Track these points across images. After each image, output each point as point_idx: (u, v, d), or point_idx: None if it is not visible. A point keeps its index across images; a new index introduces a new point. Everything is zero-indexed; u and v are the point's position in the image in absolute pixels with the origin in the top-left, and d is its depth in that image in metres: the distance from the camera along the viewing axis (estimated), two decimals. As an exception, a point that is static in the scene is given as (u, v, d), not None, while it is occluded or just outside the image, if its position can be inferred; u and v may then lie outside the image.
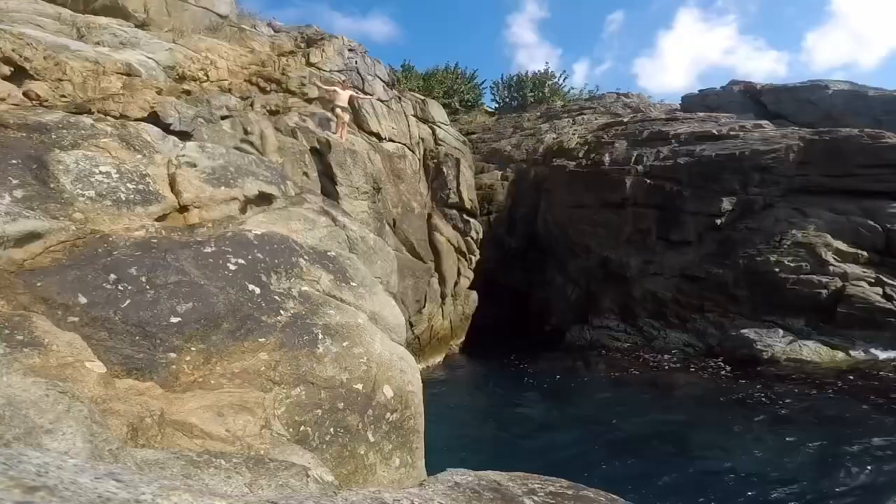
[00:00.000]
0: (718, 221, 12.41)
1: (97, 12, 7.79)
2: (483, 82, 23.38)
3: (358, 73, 11.16)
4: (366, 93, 11.15)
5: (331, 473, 2.38)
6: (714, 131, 13.97)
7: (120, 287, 3.03)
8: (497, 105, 23.37)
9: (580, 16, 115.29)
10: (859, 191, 11.73)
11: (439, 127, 13.50)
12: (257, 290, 3.54)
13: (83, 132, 4.25)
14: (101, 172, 3.85)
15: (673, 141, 14.13)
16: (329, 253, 4.42)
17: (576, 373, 11.50)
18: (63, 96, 5.60)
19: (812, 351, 10.37)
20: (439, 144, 13.18)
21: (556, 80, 23.18)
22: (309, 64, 10.32)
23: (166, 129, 6.13)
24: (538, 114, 19.92)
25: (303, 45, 10.88)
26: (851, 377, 9.37)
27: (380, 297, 4.37)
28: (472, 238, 12.94)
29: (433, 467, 4.07)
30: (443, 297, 12.12)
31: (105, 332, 2.81)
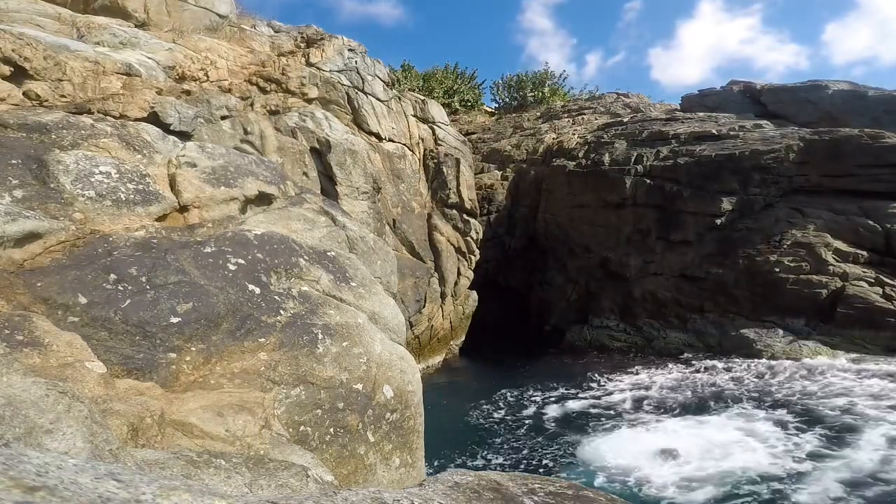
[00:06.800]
0: (718, 221, 12.42)
1: (97, 12, 7.79)
2: (483, 82, 23.39)
3: (358, 73, 11.16)
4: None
5: (330, 473, 2.39)
6: (714, 131, 13.97)
7: (120, 287, 3.03)
8: (497, 105, 23.37)
9: (597, 1, 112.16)
10: (859, 191, 11.74)
11: (439, 127, 13.50)
12: (257, 290, 3.54)
13: (83, 132, 4.25)
14: (101, 172, 3.85)
15: (673, 141, 14.13)
16: (329, 253, 4.42)
17: (575, 373, 11.52)
18: (63, 96, 5.60)
19: (812, 351, 10.38)
20: (439, 144, 13.18)
21: (555, 79, 23.18)
22: (309, 64, 10.32)
23: (166, 129, 6.13)
24: (538, 114, 19.91)
25: (303, 45, 10.87)
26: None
27: (380, 297, 4.38)
28: (471, 238, 12.94)
29: (433, 468, 4.07)
30: (443, 296, 12.12)
31: (105, 332, 2.81)
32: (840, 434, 7.27)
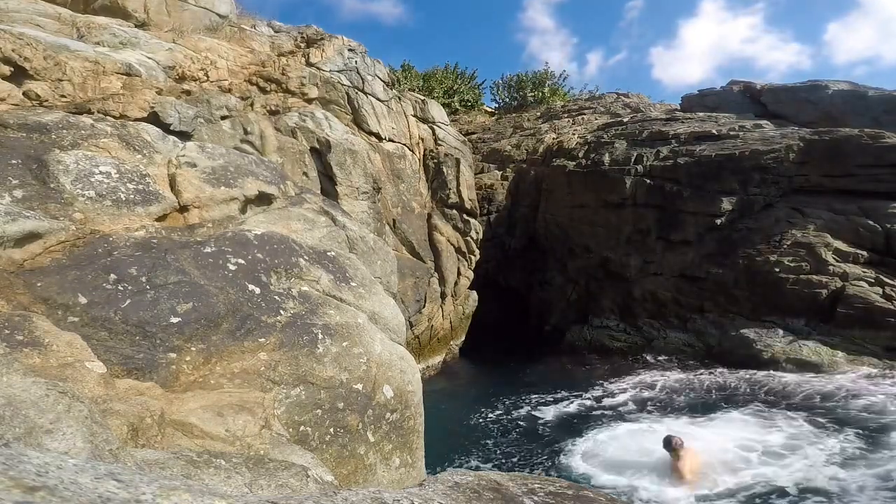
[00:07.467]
0: (718, 221, 12.41)
1: (97, 12, 7.78)
2: (483, 82, 23.41)
3: (358, 73, 11.15)
4: None
5: (330, 473, 2.39)
6: (714, 131, 13.97)
7: (120, 287, 3.03)
8: (497, 105, 23.38)
9: (599, 0, 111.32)
10: (859, 191, 11.73)
11: (439, 127, 13.49)
12: (257, 290, 3.54)
13: (83, 132, 4.25)
14: (101, 172, 3.85)
15: (673, 141, 14.13)
16: (329, 253, 4.42)
17: (575, 374, 11.53)
18: (63, 96, 5.60)
19: (812, 351, 10.37)
20: (439, 144, 13.17)
21: (555, 79, 23.21)
22: (309, 64, 10.32)
23: (166, 129, 6.13)
24: (538, 114, 19.91)
25: (303, 44, 10.87)
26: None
27: (380, 297, 4.38)
28: (472, 238, 12.94)
29: (433, 468, 4.06)
30: (443, 296, 12.12)
31: (105, 332, 2.81)
32: (875, 434, 6.92)
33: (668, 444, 6.34)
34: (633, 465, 6.60)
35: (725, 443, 6.97)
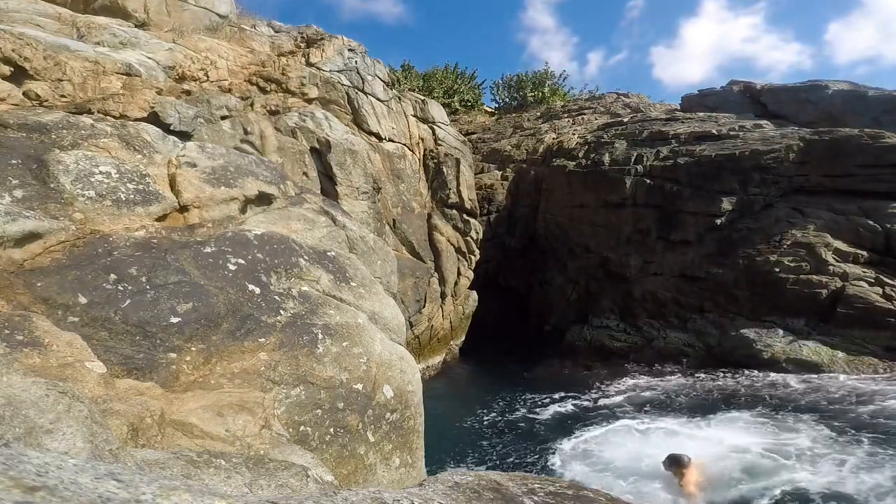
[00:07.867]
0: (718, 221, 12.41)
1: (97, 12, 7.78)
2: (483, 82, 23.43)
3: (358, 73, 11.16)
4: None
5: (330, 473, 2.39)
6: (714, 131, 13.97)
7: (120, 287, 3.03)
8: (497, 105, 23.39)
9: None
10: (859, 191, 11.73)
11: (439, 127, 13.49)
12: (257, 290, 3.54)
13: (83, 132, 4.25)
14: (101, 172, 3.85)
15: (673, 141, 14.13)
16: (329, 253, 4.42)
17: (575, 374, 11.53)
18: (63, 96, 5.60)
19: (812, 351, 10.37)
20: (439, 144, 13.18)
21: (555, 79, 23.22)
22: (309, 64, 10.32)
23: (166, 129, 6.13)
24: (538, 114, 19.91)
25: (303, 45, 10.87)
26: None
27: (380, 296, 4.38)
28: (472, 238, 12.94)
29: (433, 468, 4.06)
30: (443, 296, 12.12)
31: (105, 332, 2.81)
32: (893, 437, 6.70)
33: (677, 462, 5.97)
34: (632, 468, 6.56)
35: (748, 447, 6.76)
